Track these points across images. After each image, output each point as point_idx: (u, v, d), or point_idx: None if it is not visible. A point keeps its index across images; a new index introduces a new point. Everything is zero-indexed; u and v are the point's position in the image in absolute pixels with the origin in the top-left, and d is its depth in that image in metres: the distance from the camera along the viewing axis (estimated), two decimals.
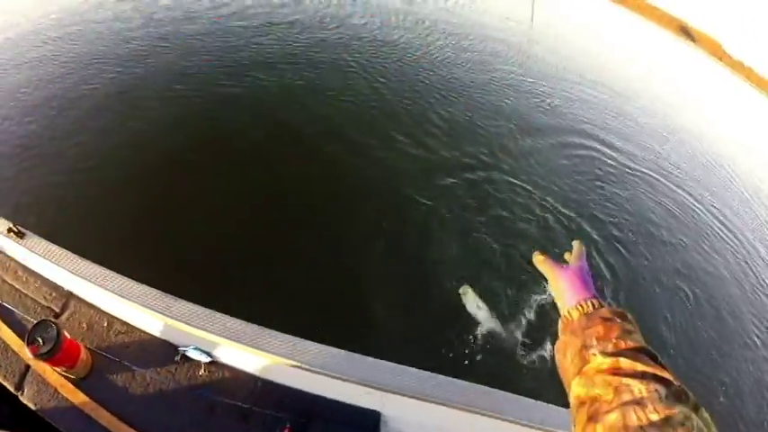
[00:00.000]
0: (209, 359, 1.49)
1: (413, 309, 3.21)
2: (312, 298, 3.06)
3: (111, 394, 1.52)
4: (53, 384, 1.58)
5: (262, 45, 6.29)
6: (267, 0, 7.77)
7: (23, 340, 1.70)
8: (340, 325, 2.78)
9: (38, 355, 1.42)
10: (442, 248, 3.80)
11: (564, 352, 0.72)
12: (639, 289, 4.17)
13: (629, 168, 6.06)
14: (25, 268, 1.83)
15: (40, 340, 1.43)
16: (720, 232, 5.64)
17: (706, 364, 3.81)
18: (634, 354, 0.62)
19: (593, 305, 0.73)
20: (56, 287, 1.75)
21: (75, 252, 1.70)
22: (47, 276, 1.78)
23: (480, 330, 3.18)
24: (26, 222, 1.77)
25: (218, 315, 1.43)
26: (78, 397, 1.53)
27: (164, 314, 1.44)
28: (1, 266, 1.85)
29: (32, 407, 1.59)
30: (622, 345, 0.64)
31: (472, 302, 3.27)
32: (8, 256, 1.88)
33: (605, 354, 0.63)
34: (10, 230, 1.73)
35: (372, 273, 3.41)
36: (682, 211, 5.67)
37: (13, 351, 1.69)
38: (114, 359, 1.54)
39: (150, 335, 1.57)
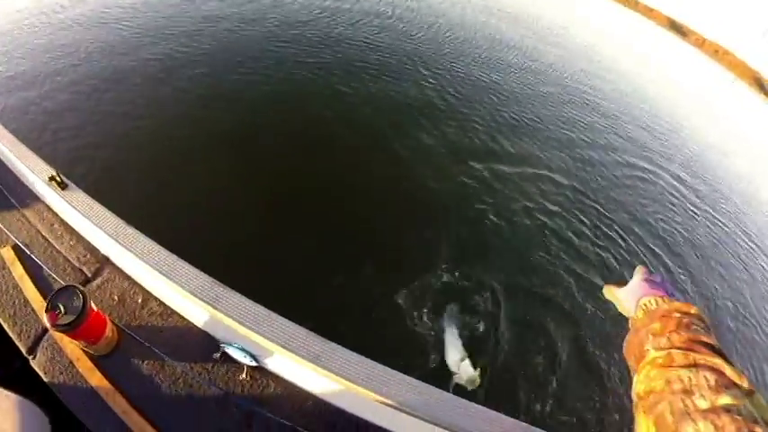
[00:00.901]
0: (254, 363, 1.29)
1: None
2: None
3: (133, 381, 1.33)
4: (69, 356, 1.40)
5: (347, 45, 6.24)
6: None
7: (44, 299, 1.55)
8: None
9: (56, 326, 1.25)
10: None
11: (629, 353, 0.73)
12: None
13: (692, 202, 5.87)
14: (63, 222, 1.68)
15: (62, 308, 1.25)
16: None
17: None
18: (688, 345, 0.62)
19: (655, 302, 0.73)
20: (92, 249, 1.59)
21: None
22: (84, 235, 1.62)
23: None
24: (71, 174, 1.62)
25: (275, 316, 1.25)
26: (95, 376, 1.35)
27: (210, 303, 1.26)
28: (37, 216, 1.70)
29: (42, 375, 1.42)
30: (676, 338, 0.64)
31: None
32: (47, 206, 1.73)
33: (659, 348, 0.64)
34: (52, 179, 1.57)
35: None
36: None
37: (32, 309, 1.53)
38: (143, 342, 1.36)
39: (190, 322, 1.39)
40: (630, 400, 0.66)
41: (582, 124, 6.60)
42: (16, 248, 1.66)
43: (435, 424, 1.16)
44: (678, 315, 0.68)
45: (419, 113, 5.15)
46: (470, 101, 5.82)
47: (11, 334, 1.50)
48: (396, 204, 3.80)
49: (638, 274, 0.83)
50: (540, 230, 4.13)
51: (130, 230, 1.44)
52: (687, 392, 0.55)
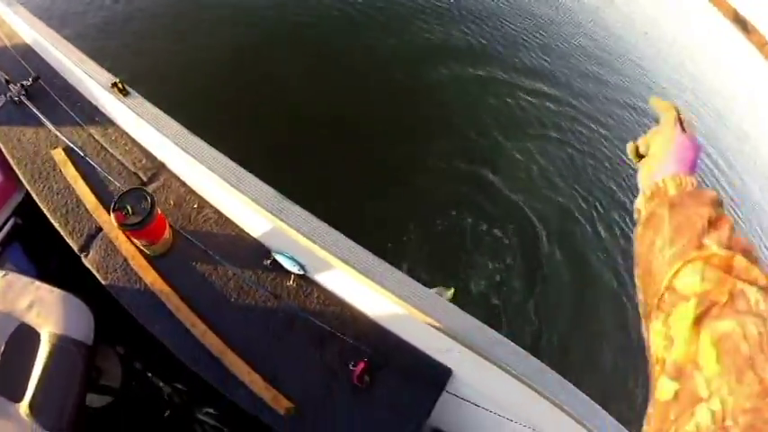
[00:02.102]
0: (301, 272, 1.35)
1: None
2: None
3: (186, 280, 1.38)
4: (123, 254, 1.45)
5: None
6: None
7: (98, 200, 1.58)
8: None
9: (123, 225, 1.29)
10: None
11: (655, 230, 0.56)
12: None
13: None
14: (117, 128, 1.70)
15: (129, 209, 1.29)
16: None
17: None
18: (750, 256, 0.48)
19: (690, 183, 0.58)
20: (148, 154, 1.62)
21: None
22: (140, 141, 1.65)
23: None
24: (134, 81, 1.63)
25: (328, 229, 1.28)
26: (149, 274, 1.40)
27: (271, 212, 1.29)
28: (90, 121, 1.72)
29: (95, 272, 1.47)
30: (738, 242, 0.50)
31: None
32: (104, 112, 1.75)
33: (721, 245, 0.49)
34: (114, 85, 1.59)
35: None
36: None
37: (85, 209, 1.57)
38: (197, 244, 1.41)
39: (243, 230, 1.43)
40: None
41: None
42: (68, 150, 1.69)
43: (450, 336, 1.21)
44: (727, 217, 0.54)
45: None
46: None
47: (62, 232, 1.55)
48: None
49: (671, 122, 0.65)
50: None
51: (192, 138, 1.46)
52: (758, 317, 0.42)
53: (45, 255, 2.07)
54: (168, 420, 1.87)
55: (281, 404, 1.25)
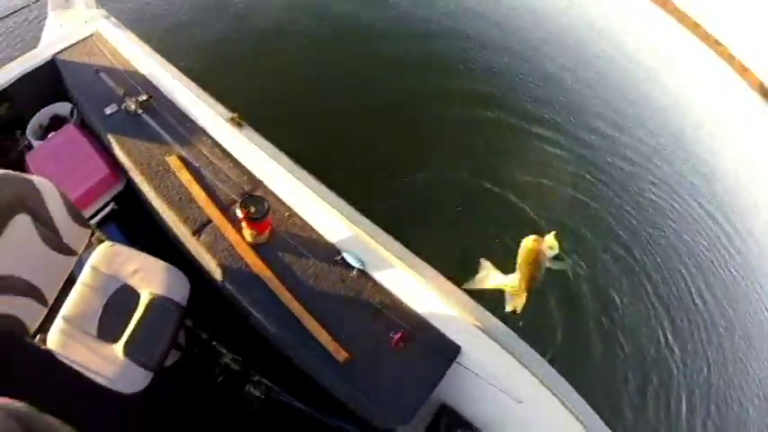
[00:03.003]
0: (361, 267, 1.93)
1: None
2: None
3: (277, 264, 1.93)
4: (230, 241, 1.99)
5: None
6: None
7: (209, 198, 2.11)
8: None
9: (248, 218, 1.84)
10: None
11: None
12: None
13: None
14: (224, 149, 2.27)
15: (251, 208, 1.86)
16: None
17: None
18: None
19: None
20: (249, 173, 2.19)
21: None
22: (243, 162, 2.22)
23: None
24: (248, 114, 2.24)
25: (382, 234, 1.89)
26: (250, 256, 1.94)
27: (340, 219, 1.89)
28: (201, 140, 2.29)
29: (205, 251, 1.98)
30: None
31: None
32: (212, 134, 2.32)
33: None
34: (232, 119, 2.19)
35: None
36: None
37: (197, 204, 2.10)
38: (288, 240, 1.97)
39: (320, 234, 2.01)
40: None
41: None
42: (181, 158, 2.23)
43: (478, 329, 1.83)
44: None
45: None
46: None
47: (177, 219, 2.06)
48: None
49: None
50: None
51: (284, 159, 2.06)
52: None
53: (133, 236, 2.55)
54: (221, 386, 2.31)
55: (341, 354, 1.79)
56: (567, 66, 7.03)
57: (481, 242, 3.91)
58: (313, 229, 2.03)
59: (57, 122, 2.76)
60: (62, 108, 2.80)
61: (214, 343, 2.26)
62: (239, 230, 1.98)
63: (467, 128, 5.08)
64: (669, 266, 4.79)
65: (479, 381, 1.92)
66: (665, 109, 8.16)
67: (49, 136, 2.61)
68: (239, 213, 1.84)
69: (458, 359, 1.92)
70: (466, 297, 1.86)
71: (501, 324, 1.90)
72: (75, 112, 2.75)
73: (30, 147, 2.72)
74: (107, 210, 2.56)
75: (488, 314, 1.92)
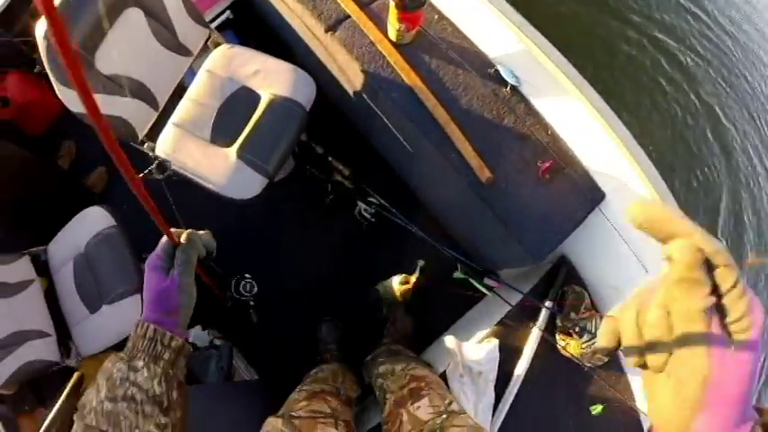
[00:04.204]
0: (517, 83, 1.69)
1: None
2: None
3: (423, 66, 1.71)
4: (371, 38, 1.78)
5: None
6: None
7: None
8: None
9: (402, 6, 1.59)
10: None
11: None
12: None
13: None
14: None
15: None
16: None
17: None
18: None
19: None
20: None
21: None
22: None
23: None
24: None
25: (552, 55, 1.61)
26: (394, 54, 1.74)
27: (501, 28, 1.62)
28: None
29: (340, 47, 1.79)
30: None
31: None
32: None
33: None
34: None
35: None
36: None
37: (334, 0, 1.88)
38: (437, 42, 1.74)
39: (473, 42, 1.77)
40: None
41: None
42: None
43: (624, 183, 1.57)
44: None
45: None
46: None
47: (310, 15, 1.85)
48: None
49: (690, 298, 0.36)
50: None
51: None
52: None
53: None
54: (328, 205, 2.26)
55: (484, 173, 1.62)
56: None
57: None
58: (465, 37, 1.78)
59: None
60: None
61: (330, 158, 2.16)
62: (382, 27, 1.77)
63: None
64: None
65: (611, 237, 1.73)
66: None
67: None
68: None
69: (600, 206, 1.71)
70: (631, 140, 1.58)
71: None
72: None
73: None
74: (223, 17, 2.42)
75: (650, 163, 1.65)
